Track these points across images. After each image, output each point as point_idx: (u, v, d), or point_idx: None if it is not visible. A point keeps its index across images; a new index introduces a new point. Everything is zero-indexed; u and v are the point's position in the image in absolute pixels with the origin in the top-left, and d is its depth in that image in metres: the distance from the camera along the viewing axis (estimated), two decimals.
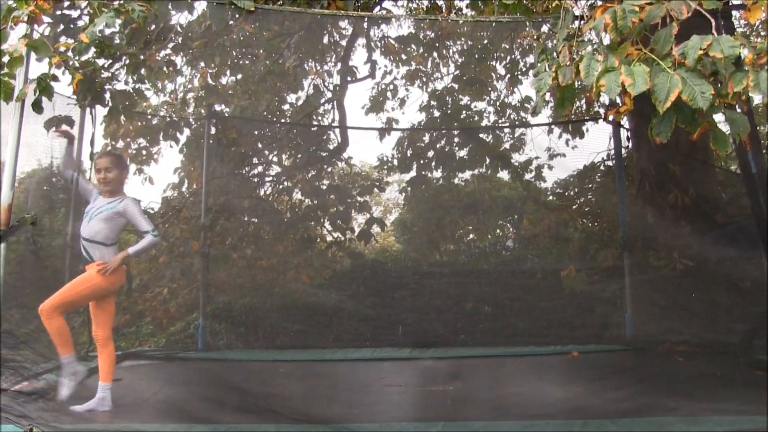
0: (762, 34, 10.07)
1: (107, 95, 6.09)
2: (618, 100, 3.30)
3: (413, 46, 10.03)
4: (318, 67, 10.14)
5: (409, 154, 10.79)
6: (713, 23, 3.10)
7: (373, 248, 11.19)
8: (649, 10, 3.19)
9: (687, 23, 3.27)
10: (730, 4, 3.98)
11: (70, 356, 4.85)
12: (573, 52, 3.25)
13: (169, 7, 6.52)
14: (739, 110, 3.26)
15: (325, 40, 9.83)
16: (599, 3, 3.38)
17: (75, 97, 5.63)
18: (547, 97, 3.51)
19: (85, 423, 4.37)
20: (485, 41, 10.45)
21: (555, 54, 3.51)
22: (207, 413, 4.78)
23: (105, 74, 5.99)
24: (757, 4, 3.16)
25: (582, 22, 3.45)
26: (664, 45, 3.11)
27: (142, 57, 6.24)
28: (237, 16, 6.20)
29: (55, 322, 4.74)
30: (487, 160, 10.55)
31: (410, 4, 9.24)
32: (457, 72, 10.73)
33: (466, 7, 9.01)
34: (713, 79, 3.00)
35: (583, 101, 6.86)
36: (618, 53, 3.13)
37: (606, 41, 3.28)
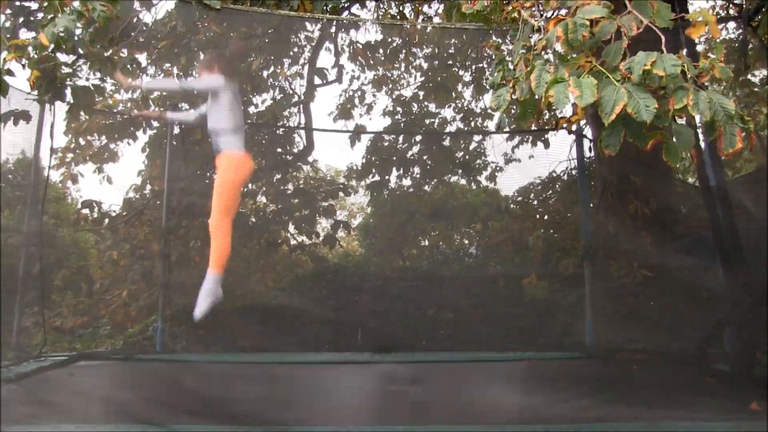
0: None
1: (68, 91, 6.02)
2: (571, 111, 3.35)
3: (381, 50, 10.03)
4: (284, 70, 10.09)
5: (373, 159, 10.80)
6: (663, 40, 3.16)
7: (336, 252, 11.15)
8: (602, 25, 3.23)
9: (645, 37, 3.31)
10: (689, 21, 4.03)
11: (220, 276, 4.84)
12: (528, 65, 3.28)
13: (135, 5, 6.46)
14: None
15: (293, 42, 9.79)
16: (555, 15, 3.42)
17: (33, 92, 5.53)
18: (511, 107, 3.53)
19: (30, 425, 4.28)
20: (451, 49, 10.50)
21: (511, 66, 3.54)
22: (161, 416, 4.72)
23: (66, 70, 5.91)
24: (701, 21, 3.22)
25: (539, 35, 3.48)
26: (614, 58, 3.16)
27: (105, 54, 6.16)
28: (205, 15, 6.16)
29: (227, 239, 4.82)
30: (450, 167, 10.61)
31: (378, 10, 9.27)
32: (423, 79, 10.77)
33: (435, 14, 9.07)
34: (663, 93, 3.05)
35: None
36: (569, 65, 3.16)
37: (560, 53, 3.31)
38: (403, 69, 10.99)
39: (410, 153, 10.70)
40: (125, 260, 9.10)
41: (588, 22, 3.13)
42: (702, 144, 6.06)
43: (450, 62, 10.58)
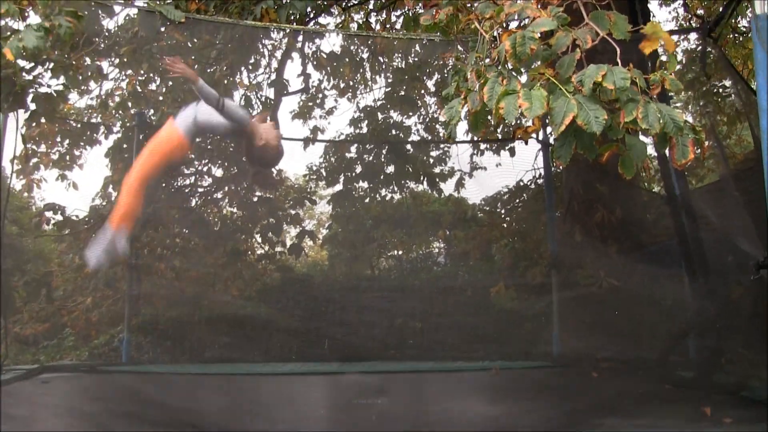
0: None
1: (29, 98, 5.95)
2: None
3: (347, 59, 10.00)
4: (250, 79, 10.04)
5: (336, 166, 10.78)
6: (618, 51, 3.20)
7: (304, 262, 11.09)
8: (557, 37, 3.27)
9: (608, 48, 3.35)
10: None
11: (114, 232, 4.54)
12: (482, 76, 3.30)
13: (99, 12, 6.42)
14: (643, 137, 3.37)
15: (258, 51, 9.74)
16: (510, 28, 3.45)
17: None
18: (463, 116, 3.55)
19: None
20: (416, 59, 10.50)
21: (465, 78, 3.56)
22: (124, 427, 4.66)
23: (27, 77, 5.85)
24: (654, 35, 3.26)
25: (494, 46, 3.50)
26: (566, 70, 3.19)
27: (66, 59, 6.11)
28: (168, 23, 6.13)
29: (129, 198, 4.58)
30: (414, 175, 10.61)
31: (342, 16, 9.26)
32: (389, 89, 10.77)
33: (400, 27, 9.06)
34: (617, 107, 3.09)
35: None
36: (529, 74, 3.20)
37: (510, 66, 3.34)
38: (368, 78, 10.97)
39: (375, 161, 10.67)
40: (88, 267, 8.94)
41: (537, 35, 3.16)
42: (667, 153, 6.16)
43: (415, 74, 10.58)
